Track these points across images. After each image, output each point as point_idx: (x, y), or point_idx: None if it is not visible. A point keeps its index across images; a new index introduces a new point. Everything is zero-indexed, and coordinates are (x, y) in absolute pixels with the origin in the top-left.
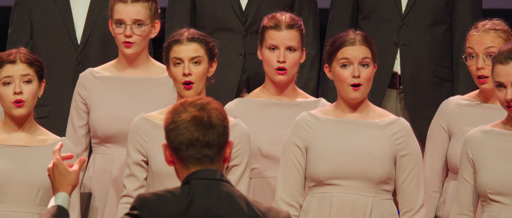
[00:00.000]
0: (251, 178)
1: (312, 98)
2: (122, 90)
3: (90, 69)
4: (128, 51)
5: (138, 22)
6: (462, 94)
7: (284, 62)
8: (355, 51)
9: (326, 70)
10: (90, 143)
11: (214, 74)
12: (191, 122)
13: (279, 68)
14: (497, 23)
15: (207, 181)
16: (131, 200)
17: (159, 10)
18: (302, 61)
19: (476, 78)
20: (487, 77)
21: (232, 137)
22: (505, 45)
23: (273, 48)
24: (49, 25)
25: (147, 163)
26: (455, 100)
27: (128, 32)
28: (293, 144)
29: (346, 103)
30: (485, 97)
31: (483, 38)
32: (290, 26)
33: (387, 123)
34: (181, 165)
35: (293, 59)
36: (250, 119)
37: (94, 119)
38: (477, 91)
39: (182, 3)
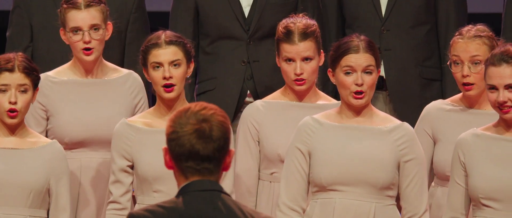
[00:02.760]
0: (270, 182)
1: (334, 100)
2: (82, 94)
3: (44, 74)
4: (89, 58)
5: (94, 27)
6: (452, 92)
7: (301, 74)
8: (359, 59)
9: (329, 74)
10: None
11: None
12: (193, 134)
13: (297, 80)
14: (481, 29)
15: (202, 192)
16: (118, 206)
17: (109, 11)
18: (321, 64)
19: (461, 85)
20: (472, 84)
21: None
22: (497, 48)
23: (289, 60)
24: (50, 28)
25: (132, 167)
26: (438, 105)
27: (87, 38)
28: (296, 148)
29: (349, 109)
30: (470, 103)
31: (469, 45)
32: (304, 36)
33: (390, 129)
34: (179, 173)
35: (310, 68)
36: (271, 121)
37: (59, 125)
38: (460, 95)
39: (185, 12)
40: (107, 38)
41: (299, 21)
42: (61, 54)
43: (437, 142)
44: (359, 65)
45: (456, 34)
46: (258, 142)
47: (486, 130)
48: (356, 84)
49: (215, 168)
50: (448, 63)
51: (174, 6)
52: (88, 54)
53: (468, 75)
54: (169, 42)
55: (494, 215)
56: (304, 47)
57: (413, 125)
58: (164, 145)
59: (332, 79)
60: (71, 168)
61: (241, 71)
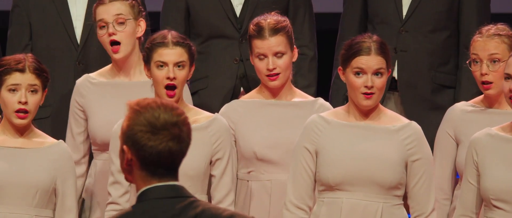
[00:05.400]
0: (247, 181)
1: (310, 98)
2: (117, 96)
3: (86, 75)
4: (117, 56)
5: (119, 20)
6: (465, 100)
7: (274, 69)
8: (369, 61)
9: (340, 72)
10: (89, 149)
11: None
12: (172, 142)
13: (270, 75)
14: (501, 28)
15: (161, 201)
16: (117, 207)
17: (144, 12)
18: (294, 60)
19: (480, 84)
20: (491, 83)
21: (211, 132)
22: None
23: (262, 56)
24: (48, 26)
25: None
26: (460, 106)
27: (111, 30)
28: (303, 147)
29: (358, 108)
30: (490, 103)
31: (487, 44)
32: (274, 31)
33: (398, 128)
34: (142, 174)
35: (283, 63)
36: (246, 121)
37: (92, 126)
38: (481, 96)
39: (176, 12)
40: (139, 34)
41: (270, 18)
42: (60, 52)
43: (460, 144)
44: (369, 68)
45: (476, 33)
46: (235, 141)
47: (500, 130)
48: (366, 87)
49: (177, 167)
50: (467, 62)
51: (165, 7)
52: (115, 51)
53: (486, 74)
54: (176, 43)
55: (505, 217)
56: (275, 42)
57: (423, 127)
58: None
59: (342, 78)
60: (103, 168)
61: (234, 69)
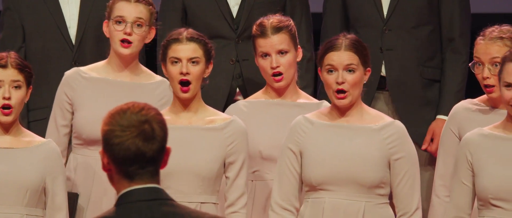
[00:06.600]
0: (251, 181)
1: (315, 100)
2: (109, 94)
3: (76, 68)
4: (125, 51)
5: (138, 23)
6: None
7: (278, 67)
8: (339, 57)
9: (319, 73)
10: (69, 142)
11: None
12: (138, 137)
13: (275, 74)
14: (505, 30)
15: (139, 203)
16: None
17: (156, 22)
18: (298, 60)
19: (483, 87)
20: (493, 86)
21: (227, 134)
22: None
23: (265, 55)
24: (42, 27)
25: None
26: (465, 105)
27: (128, 30)
28: (288, 148)
29: (339, 108)
30: (494, 103)
31: (489, 47)
32: (276, 29)
33: (380, 127)
34: (120, 177)
35: (286, 62)
36: (252, 120)
37: (80, 121)
38: (486, 95)
39: (173, 12)
40: (147, 41)
41: (273, 17)
42: (55, 53)
43: None
44: (340, 64)
45: (480, 35)
46: None
47: (493, 129)
48: (337, 83)
49: (156, 169)
50: (470, 64)
51: (162, 7)
52: (125, 47)
53: (488, 77)
54: (190, 39)
55: (504, 215)
56: (278, 40)
57: (415, 123)
58: (176, 141)
59: (322, 78)
60: (86, 164)
61: (230, 69)
